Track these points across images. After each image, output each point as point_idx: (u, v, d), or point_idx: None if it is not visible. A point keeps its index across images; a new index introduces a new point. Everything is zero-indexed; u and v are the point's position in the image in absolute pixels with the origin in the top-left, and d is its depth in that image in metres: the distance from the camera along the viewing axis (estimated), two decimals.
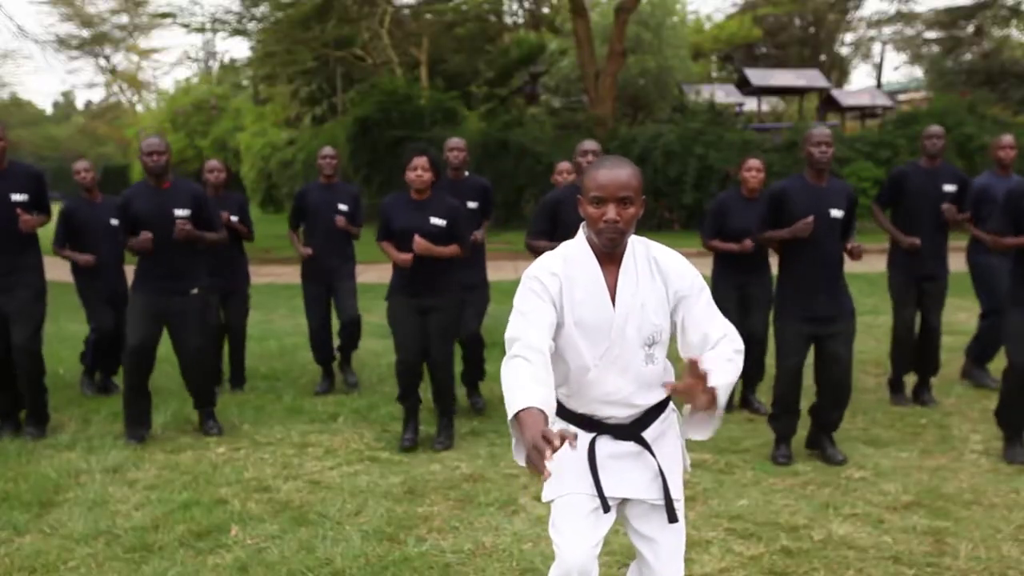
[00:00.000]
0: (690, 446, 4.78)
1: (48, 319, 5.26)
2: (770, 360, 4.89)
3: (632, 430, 2.30)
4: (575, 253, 2.25)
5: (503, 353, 2.28)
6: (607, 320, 2.21)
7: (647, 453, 2.30)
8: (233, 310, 6.20)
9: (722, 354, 2.18)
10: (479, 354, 5.65)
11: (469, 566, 3.41)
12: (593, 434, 2.30)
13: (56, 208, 5.58)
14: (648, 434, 2.32)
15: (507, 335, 2.15)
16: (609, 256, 2.23)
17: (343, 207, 6.08)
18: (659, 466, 2.30)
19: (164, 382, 6.16)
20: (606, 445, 2.29)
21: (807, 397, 4.69)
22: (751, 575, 3.31)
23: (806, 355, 4.54)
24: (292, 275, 13.59)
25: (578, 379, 2.26)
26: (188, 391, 5.26)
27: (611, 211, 2.13)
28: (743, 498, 4.05)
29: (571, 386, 2.29)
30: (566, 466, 2.25)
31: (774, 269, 5.12)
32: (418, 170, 4.68)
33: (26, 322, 4.96)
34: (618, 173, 2.14)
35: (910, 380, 5.88)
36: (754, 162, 5.49)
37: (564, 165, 5.79)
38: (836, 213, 4.44)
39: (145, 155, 4.89)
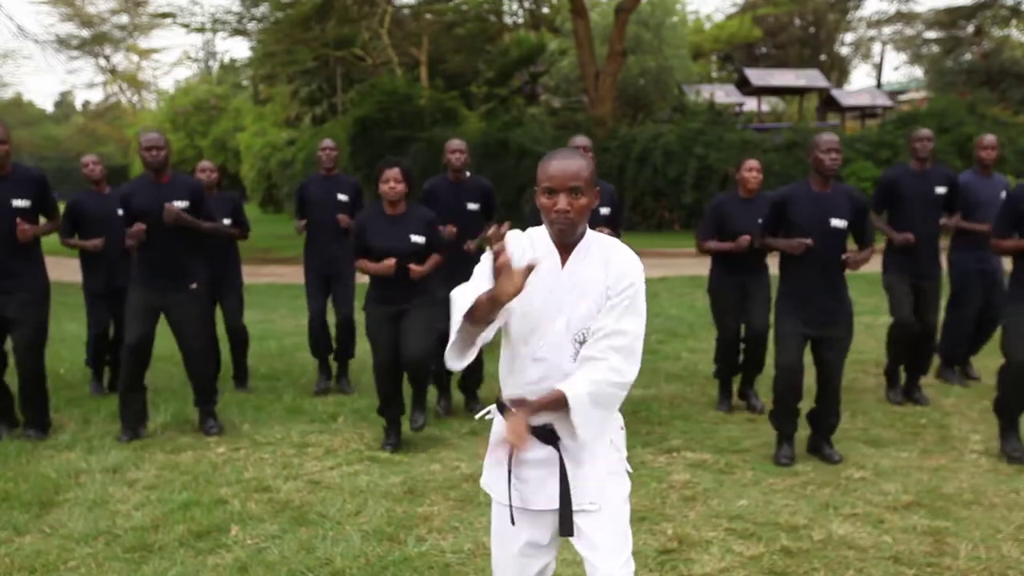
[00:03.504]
0: (690, 446, 4.84)
1: (49, 319, 5.26)
2: (769, 360, 4.89)
3: (551, 434, 2.25)
4: (538, 237, 2.27)
5: (499, 355, 2.34)
6: (540, 306, 2.20)
7: (558, 459, 2.25)
8: (228, 309, 6.19)
9: (584, 373, 2.16)
10: (478, 359, 5.65)
11: (469, 566, 3.41)
12: None
13: (60, 205, 5.59)
14: (567, 441, 2.25)
15: (453, 293, 2.21)
16: (563, 247, 2.22)
17: (343, 197, 6.10)
18: (564, 473, 2.24)
19: (164, 382, 6.16)
20: (528, 449, 2.25)
21: (807, 398, 4.71)
22: (751, 575, 3.31)
23: (803, 354, 4.56)
24: (292, 275, 13.61)
25: (511, 360, 2.27)
26: (192, 388, 5.26)
27: (562, 201, 2.15)
28: (743, 498, 4.05)
29: (507, 367, 2.30)
30: (498, 460, 2.34)
31: (772, 268, 5.14)
32: (390, 182, 4.68)
33: (27, 325, 4.95)
34: (568, 164, 2.16)
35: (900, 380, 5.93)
36: (752, 162, 5.49)
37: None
38: (837, 223, 4.42)
39: (144, 150, 4.92)
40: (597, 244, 2.24)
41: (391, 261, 4.65)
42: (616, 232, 5.31)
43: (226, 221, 6.00)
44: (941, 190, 5.64)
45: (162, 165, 4.97)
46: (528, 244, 2.24)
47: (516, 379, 2.26)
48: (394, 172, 4.68)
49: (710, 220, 5.54)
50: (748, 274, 5.45)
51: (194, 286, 5.07)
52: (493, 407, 2.40)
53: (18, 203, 4.88)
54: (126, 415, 5.06)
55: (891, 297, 5.76)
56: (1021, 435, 4.66)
